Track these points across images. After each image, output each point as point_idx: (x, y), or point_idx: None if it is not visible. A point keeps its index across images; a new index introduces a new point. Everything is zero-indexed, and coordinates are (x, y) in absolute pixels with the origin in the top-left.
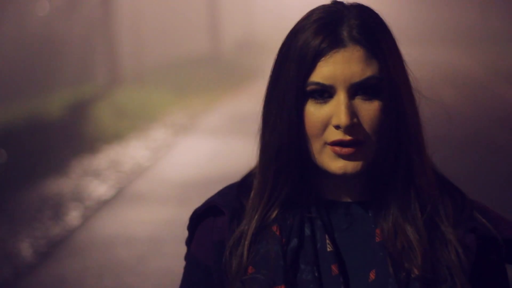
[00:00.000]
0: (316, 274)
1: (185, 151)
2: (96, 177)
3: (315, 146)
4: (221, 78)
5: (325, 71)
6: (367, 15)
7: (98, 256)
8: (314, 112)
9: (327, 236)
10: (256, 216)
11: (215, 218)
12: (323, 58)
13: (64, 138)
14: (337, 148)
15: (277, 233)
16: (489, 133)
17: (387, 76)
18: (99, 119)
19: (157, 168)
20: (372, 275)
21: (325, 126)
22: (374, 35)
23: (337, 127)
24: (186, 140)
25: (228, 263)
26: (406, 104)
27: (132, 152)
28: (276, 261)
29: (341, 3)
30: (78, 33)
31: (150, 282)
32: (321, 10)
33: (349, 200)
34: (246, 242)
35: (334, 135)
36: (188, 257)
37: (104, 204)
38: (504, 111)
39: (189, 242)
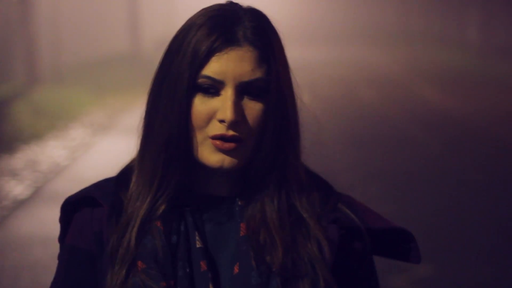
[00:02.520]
0: (188, 270)
1: (104, 150)
2: (13, 177)
3: (198, 138)
4: (141, 77)
5: (217, 66)
6: (261, 19)
7: (14, 256)
8: (201, 104)
9: (196, 233)
10: (145, 205)
11: (92, 209)
12: (217, 54)
13: None
14: (218, 142)
15: (161, 228)
16: (408, 132)
17: (275, 80)
18: (16, 118)
19: (75, 168)
20: (236, 269)
21: (209, 119)
22: (267, 39)
23: (222, 121)
24: (104, 139)
25: (115, 250)
26: (289, 109)
27: (50, 152)
28: (165, 256)
29: (237, 4)
30: None
31: None
32: (216, 7)
33: (222, 194)
34: (135, 229)
35: (217, 129)
36: (64, 251)
37: (20, 203)
38: (422, 109)
39: (62, 235)
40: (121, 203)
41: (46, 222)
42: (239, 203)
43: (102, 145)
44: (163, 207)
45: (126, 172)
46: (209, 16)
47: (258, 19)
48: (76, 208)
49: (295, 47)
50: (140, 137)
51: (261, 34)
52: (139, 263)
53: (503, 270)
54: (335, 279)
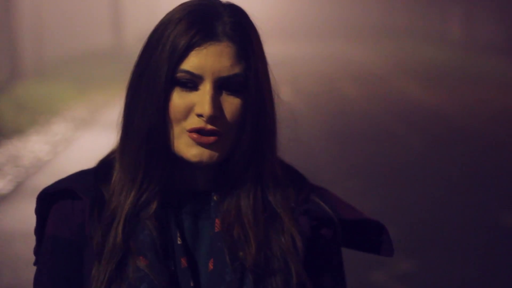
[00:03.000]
0: (173, 268)
1: (86, 145)
2: None
3: (175, 131)
4: (123, 73)
5: (196, 61)
6: (240, 15)
7: None
8: (179, 98)
9: (177, 229)
10: (129, 199)
11: (72, 201)
12: (196, 48)
13: None
14: (196, 136)
15: (157, 224)
16: (391, 127)
17: (253, 76)
18: None
19: (56, 163)
20: (210, 265)
21: (187, 113)
22: (246, 35)
23: (200, 115)
24: (86, 134)
25: (101, 246)
26: (266, 104)
27: (31, 147)
28: (163, 252)
29: None
30: None
31: None
32: (195, 2)
33: (199, 189)
34: (121, 224)
35: (195, 123)
36: (46, 242)
37: (2, 198)
38: (405, 105)
39: (39, 227)
40: (102, 196)
41: (27, 217)
42: (214, 198)
43: (84, 140)
44: (155, 203)
45: (105, 165)
46: (188, 11)
47: (237, 14)
48: (53, 199)
49: (278, 42)
50: (120, 131)
51: (240, 29)
52: (141, 258)
53: (485, 265)
54: (307, 270)
